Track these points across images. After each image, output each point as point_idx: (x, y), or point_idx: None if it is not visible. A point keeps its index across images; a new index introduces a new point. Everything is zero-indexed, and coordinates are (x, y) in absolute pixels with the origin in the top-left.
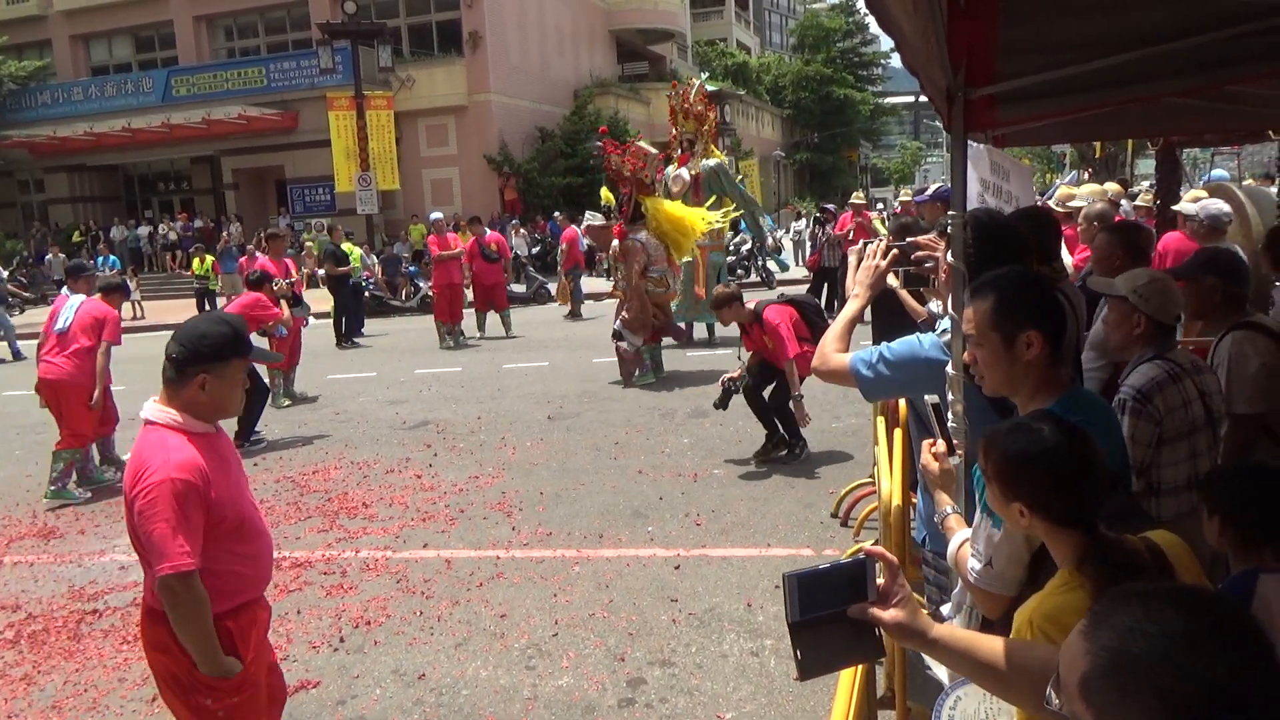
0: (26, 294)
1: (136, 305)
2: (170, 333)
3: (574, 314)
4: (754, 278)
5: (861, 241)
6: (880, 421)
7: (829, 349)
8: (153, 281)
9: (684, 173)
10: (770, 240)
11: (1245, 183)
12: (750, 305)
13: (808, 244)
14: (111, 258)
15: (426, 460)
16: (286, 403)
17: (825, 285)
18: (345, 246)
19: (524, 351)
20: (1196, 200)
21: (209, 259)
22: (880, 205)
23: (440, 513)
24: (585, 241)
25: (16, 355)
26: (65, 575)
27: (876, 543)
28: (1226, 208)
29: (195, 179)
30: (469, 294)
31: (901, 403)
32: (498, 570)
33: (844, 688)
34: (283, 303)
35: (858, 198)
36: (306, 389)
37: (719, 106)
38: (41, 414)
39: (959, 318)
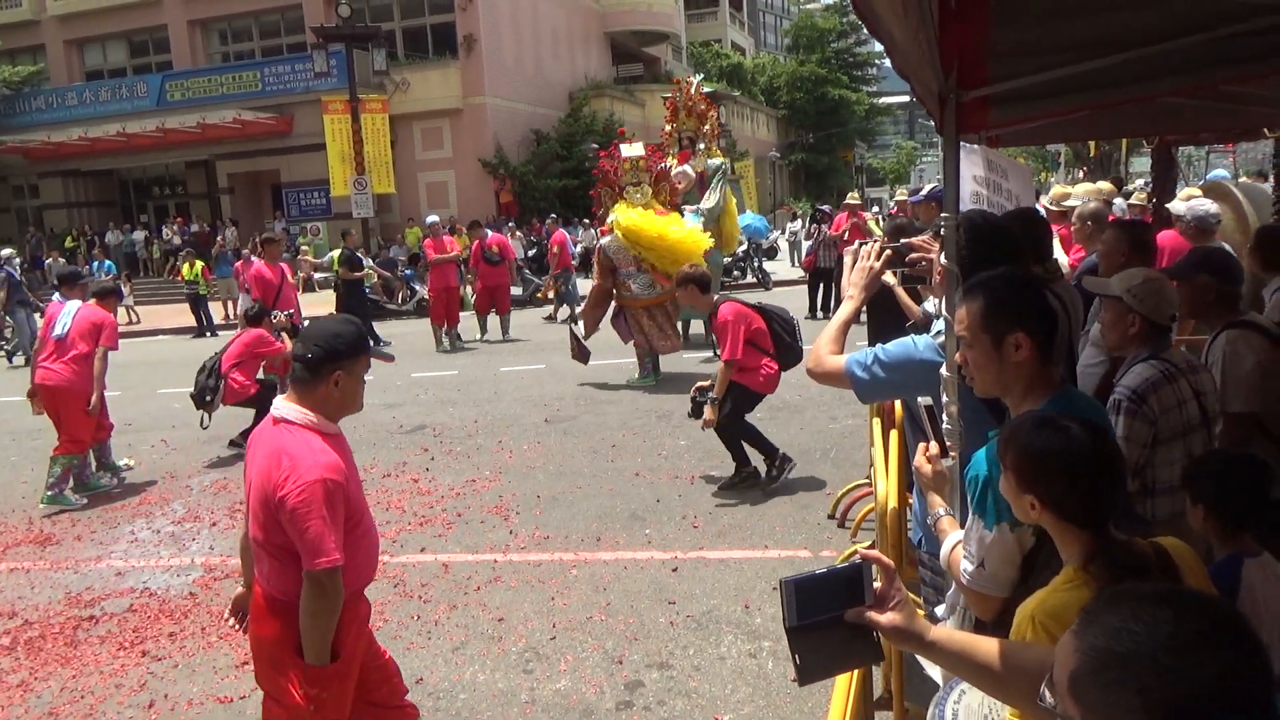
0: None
1: (131, 310)
2: (165, 338)
3: (552, 317)
4: (750, 278)
5: (857, 242)
6: (877, 423)
7: (824, 350)
8: (147, 286)
9: (688, 169)
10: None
11: (1240, 180)
12: (714, 298)
13: (803, 244)
14: (107, 263)
15: (423, 464)
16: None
17: (821, 286)
18: (340, 251)
19: (520, 354)
20: (1189, 199)
21: (198, 264)
22: (875, 207)
23: (437, 516)
24: (578, 246)
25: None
26: (62, 582)
27: (873, 544)
28: (1214, 208)
29: (190, 183)
30: (468, 296)
31: (897, 404)
32: (495, 574)
33: (841, 689)
34: (283, 335)
35: (853, 198)
36: None
37: (716, 107)
38: (36, 420)
39: (953, 319)
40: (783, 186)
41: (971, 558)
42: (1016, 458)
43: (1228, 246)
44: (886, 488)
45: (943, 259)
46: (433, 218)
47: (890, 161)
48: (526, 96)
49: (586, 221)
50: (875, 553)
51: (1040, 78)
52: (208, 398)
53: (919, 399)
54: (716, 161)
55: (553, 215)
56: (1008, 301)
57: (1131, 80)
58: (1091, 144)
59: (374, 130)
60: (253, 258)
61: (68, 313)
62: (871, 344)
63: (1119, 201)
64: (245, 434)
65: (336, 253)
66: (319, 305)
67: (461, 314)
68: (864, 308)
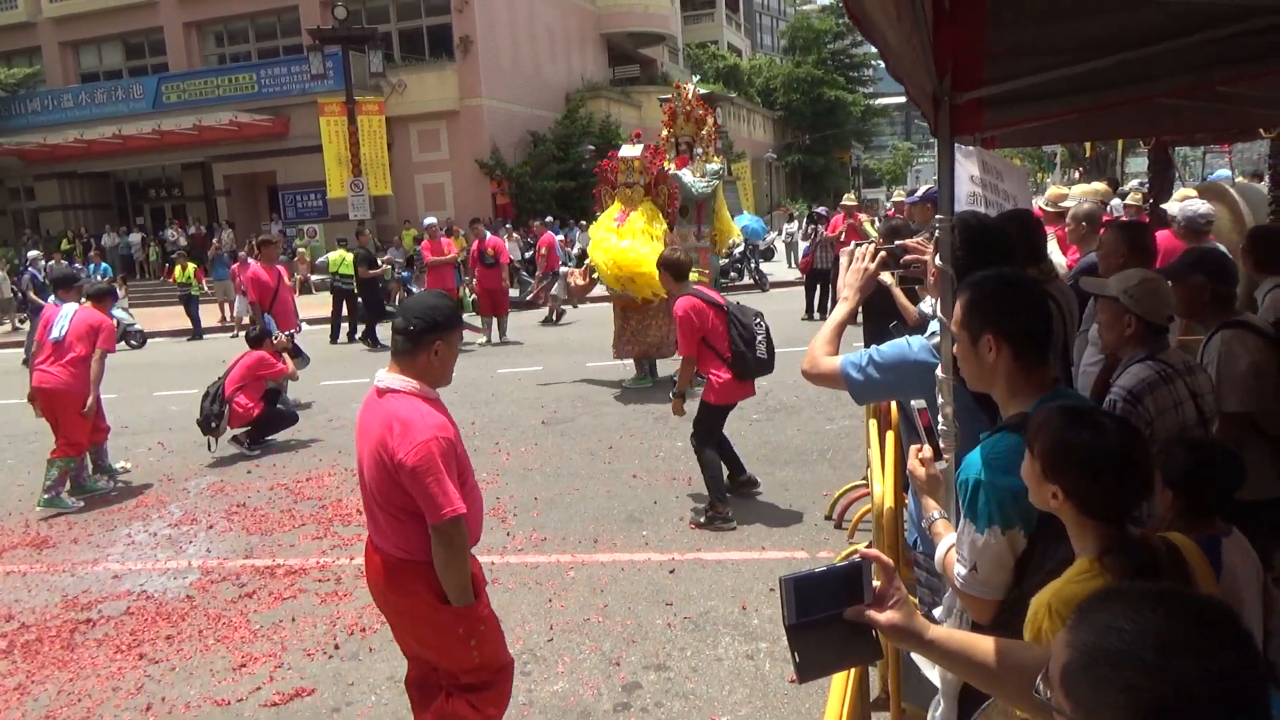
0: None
1: (126, 313)
2: (161, 340)
3: (549, 320)
4: (747, 280)
5: (852, 243)
6: (873, 424)
7: (819, 352)
8: (142, 289)
9: (687, 174)
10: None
11: (1236, 180)
12: (682, 288)
13: (800, 245)
14: (103, 265)
15: None
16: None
17: (818, 287)
18: (337, 254)
19: (517, 356)
20: (1183, 200)
21: (190, 266)
22: (875, 220)
23: None
24: (575, 247)
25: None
26: (59, 584)
27: (870, 545)
28: (1204, 208)
29: (186, 185)
30: (465, 298)
31: (894, 405)
32: (493, 576)
33: (838, 689)
34: (284, 356)
35: (849, 199)
36: (300, 396)
37: (713, 109)
38: (33, 423)
39: (948, 321)
40: (779, 188)
41: (964, 561)
42: (1045, 447)
43: (1223, 247)
44: (883, 489)
45: (937, 260)
46: (430, 220)
47: (887, 162)
48: (523, 98)
49: (584, 224)
50: (875, 551)
51: (1036, 79)
52: (213, 424)
53: (913, 402)
54: (715, 166)
55: (549, 218)
56: (981, 303)
57: (1128, 81)
58: (1087, 145)
59: (370, 132)
60: (249, 260)
61: (65, 315)
62: (867, 345)
63: (1115, 202)
64: (247, 432)
65: (333, 254)
66: (316, 307)
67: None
68: (859, 309)
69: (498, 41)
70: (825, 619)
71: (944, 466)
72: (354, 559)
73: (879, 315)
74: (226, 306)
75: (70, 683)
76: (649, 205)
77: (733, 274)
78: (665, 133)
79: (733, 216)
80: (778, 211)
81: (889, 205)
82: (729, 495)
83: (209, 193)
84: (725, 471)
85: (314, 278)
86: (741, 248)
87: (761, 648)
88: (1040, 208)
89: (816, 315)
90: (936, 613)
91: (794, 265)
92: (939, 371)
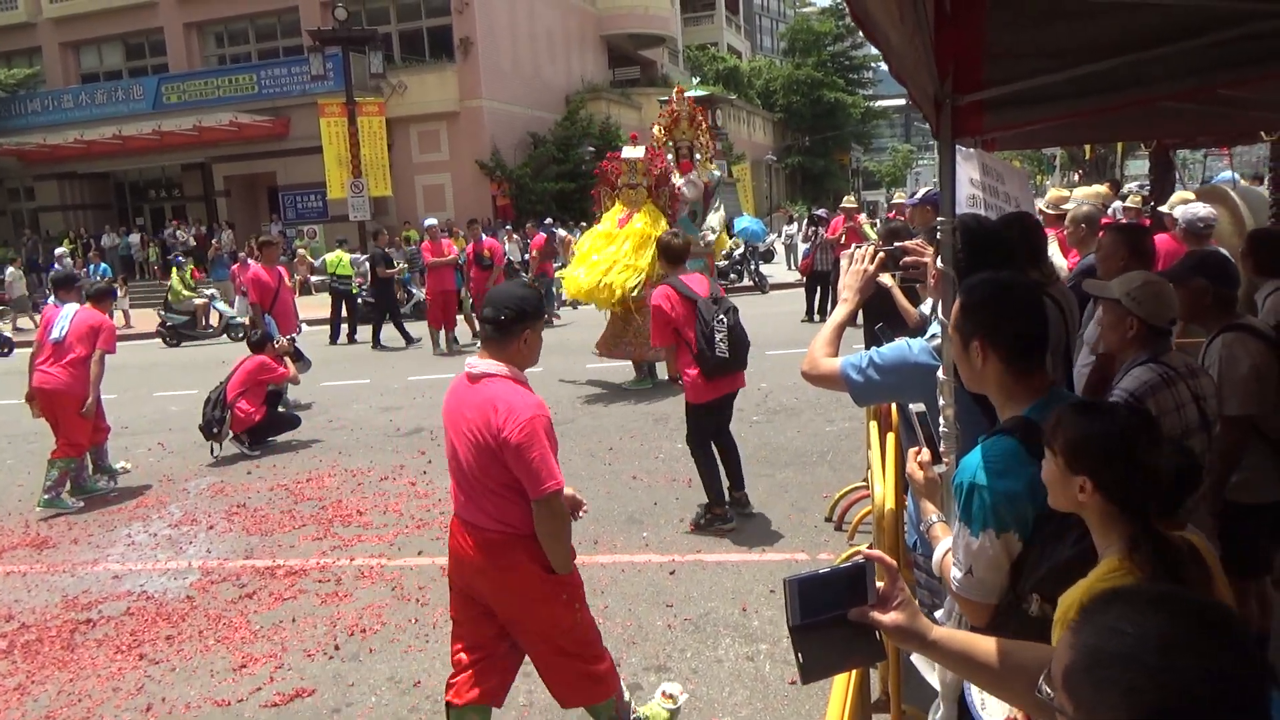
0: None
1: (124, 314)
2: (158, 341)
3: (546, 321)
4: (746, 281)
5: (852, 246)
6: (873, 426)
7: (819, 353)
8: (141, 289)
9: (694, 179)
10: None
11: (1239, 183)
12: (669, 273)
13: (800, 247)
14: (102, 265)
15: (421, 467)
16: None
17: (818, 289)
18: (336, 254)
19: None
20: (1181, 203)
21: (189, 267)
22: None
23: (435, 520)
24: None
25: None
26: (58, 585)
27: (870, 547)
28: (1204, 211)
29: (186, 186)
30: (465, 299)
31: (893, 407)
32: None
33: (839, 691)
34: (286, 360)
35: (849, 201)
36: (300, 397)
37: (710, 111)
38: (33, 423)
39: (949, 323)
40: (779, 189)
41: (959, 564)
42: (1068, 440)
43: (1224, 250)
44: (884, 490)
45: (938, 263)
46: (430, 221)
47: (886, 165)
48: (523, 99)
49: (584, 225)
50: (878, 552)
51: (1037, 82)
52: (215, 429)
53: (911, 405)
54: (716, 172)
55: (548, 219)
56: (971, 309)
57: (1129, 84)
58: (1087, 148)
59: (371, 133)
60: (249, 260)
61: (65, 316)
62: (867, 347)
63: (1115, 205)
64: (250, 430)
65: (331, 255)
66: (316, 308)
67: (459, 317)
68: (859, 310)
69: (498, 43)
70: (829, 620)
71: (942, 470)
72: (354, 560)
73: (879, 317)
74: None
75: (70, 683)
76: (651, 207)
77: (732, 275)
78: (659, 132)
79: (732, 219)
80: (777, 213)
81: (889, 208)
82: (704, 525)
83: (209, 193)
84: (726, 484)
85: (314, 279)
86: (741, 250)
87: (762, 649)
88: (1041, 210)
89: (817, 317)
90: (937, 615)
91: (793, 267)
92: (940, 374)
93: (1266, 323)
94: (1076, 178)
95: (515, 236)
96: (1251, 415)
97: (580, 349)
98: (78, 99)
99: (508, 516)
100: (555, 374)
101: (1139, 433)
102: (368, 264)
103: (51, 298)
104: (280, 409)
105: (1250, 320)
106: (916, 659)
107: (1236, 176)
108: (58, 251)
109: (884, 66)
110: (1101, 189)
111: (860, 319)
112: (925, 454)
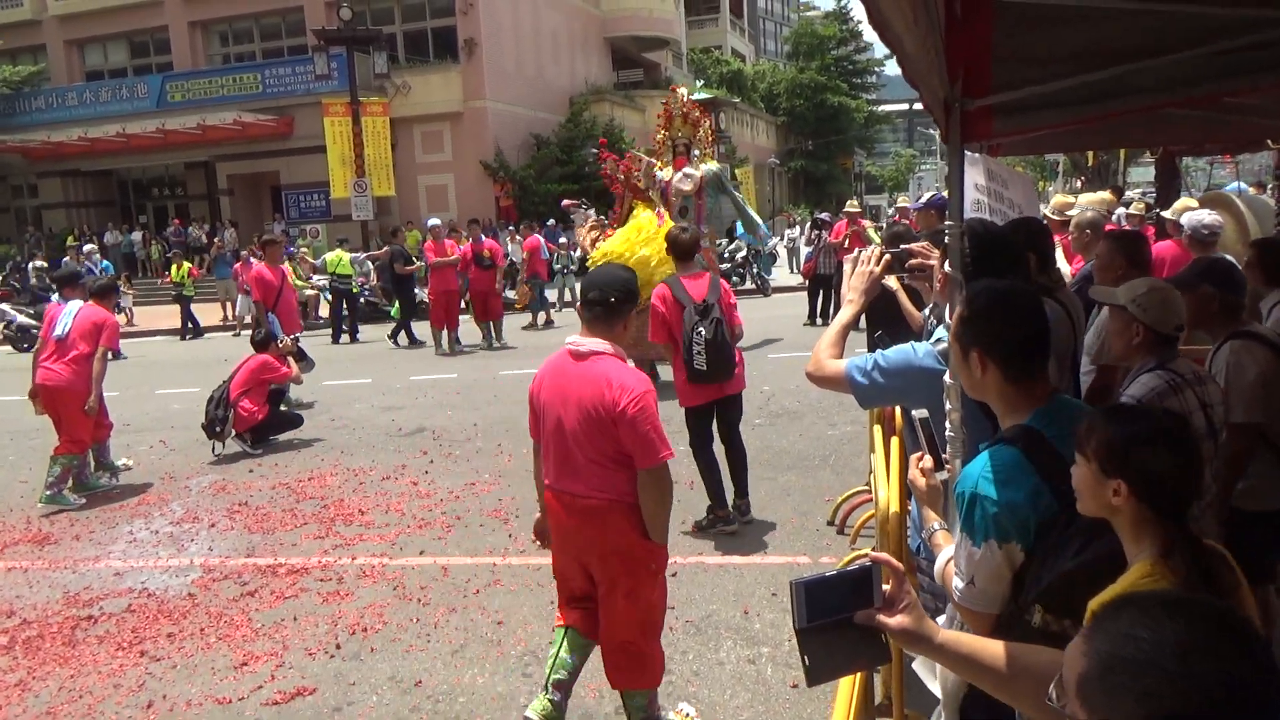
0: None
1: (127, 311)
2: (163, 339)
3: (534, 324)
4: (749, 284)
5: (856, 249)
6: (877, 429)
7: (824, 355)
8: (143, 287)
9: (690, 172)
10: (768, 244)
11: (1246, 191)
12: (676, 269)
13: (802, 251)
14: (104, 263)
15: (423, 467)
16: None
17: (821, 292)
18: (335, 254)
19: (519, 358)
20: (1184, 210)
21: (185, 265)
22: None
23: (437, 520)
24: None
25: None
26: (60, 581)
27: (874, 549)
28: (1209, 219)
29: (190, 185)
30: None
31: (898, 410)
32: (494, 577)
33: (842, 695)
34: (289, 359)
35: (853, 205)
36: (302, 395)
37: (714, 114)
38: (35, 419)
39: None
40: (782, 193)
41: (961, 574)
42: (1101, 443)
43: (1230, 257)
44: (887, 494)
45: (945, 267)
46: (434, 221)
47: (889, 169)
48: (527, 101)
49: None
50: (885, 555)
51: (1045, 88)
52: (218, 428)
53: (914, 411)
54: (713, 167)
55: (550, 221)
56: (970, 318)
57: (1136, 91)
58: (1090, 154)
59: (374, 133)
60: (252, 259)
61: (68, 313)
62: (871, 350)
63: (1120, 211)
64: (253, 429)
65: (331, 255)
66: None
67: (461, 317)
68: (863, 313)
69: (502, 44)
70: (835, 622)
71: (944, 477)
72: (356, 559)
73: (883, 319)
74: (229, 305)
75: (71, 679)
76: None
77: (735, 278)
78: (661, 135)
79: (734, 221)
80: (780, 217)
81: (893, 212)
82: (707, 528)
83: (212, 192)
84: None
85: (316, 279)
86: (744, 252)
87: (763, 652)
88: (1046, 216)
89: (819, 321)
90: (940, 620)
91: (796, 271)
92: (946, 378)
93: (1274, 332)
94: (1079, 184)
95: (518, 238)
96: (1258, 423)
97: None
98: (82, 97)
99: (613, 486)
100: None
101: (1175, 435)
102: (369, 264)
103: (55, 295)
104: (282, 408)
105: (1257, 328)
106: (918, 666)
107: (1243, 185)
108: (86, 248)
109: (887, 71)
110: (1106, 195)
111: (863, 323)
112: (927, 460)
